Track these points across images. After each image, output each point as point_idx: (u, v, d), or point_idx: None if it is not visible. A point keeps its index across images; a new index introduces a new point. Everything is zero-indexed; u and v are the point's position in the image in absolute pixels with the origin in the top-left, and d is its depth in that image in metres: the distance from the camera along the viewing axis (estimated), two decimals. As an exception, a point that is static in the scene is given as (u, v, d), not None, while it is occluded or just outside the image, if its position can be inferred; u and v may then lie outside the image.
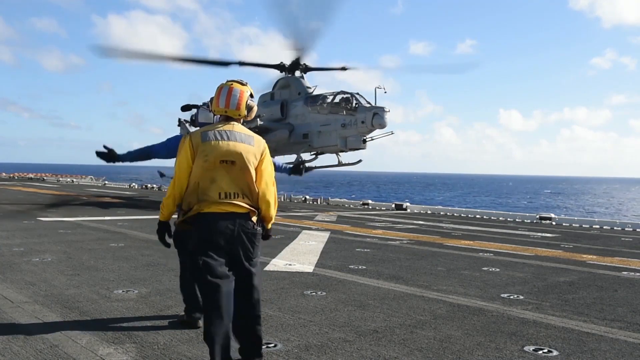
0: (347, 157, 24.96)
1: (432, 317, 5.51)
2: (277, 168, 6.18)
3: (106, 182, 45.71)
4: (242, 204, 3.70)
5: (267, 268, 7.88)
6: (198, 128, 5.24)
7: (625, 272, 8.63)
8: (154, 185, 38.34)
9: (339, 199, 29.13)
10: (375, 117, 21.52)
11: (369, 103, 22.11)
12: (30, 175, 51.63)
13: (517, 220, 20.13)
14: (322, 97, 24.11)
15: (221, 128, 3.78)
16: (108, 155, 5.87)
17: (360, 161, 24.91)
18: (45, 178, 49.11)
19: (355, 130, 22.34)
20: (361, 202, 26.37)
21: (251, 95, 3.93)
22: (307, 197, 28.57)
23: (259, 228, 3.80)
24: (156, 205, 21.94)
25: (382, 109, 21.58)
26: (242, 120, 3.93)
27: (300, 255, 9.43)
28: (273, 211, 3.88)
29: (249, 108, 3.89)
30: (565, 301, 6.43)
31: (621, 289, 7.28)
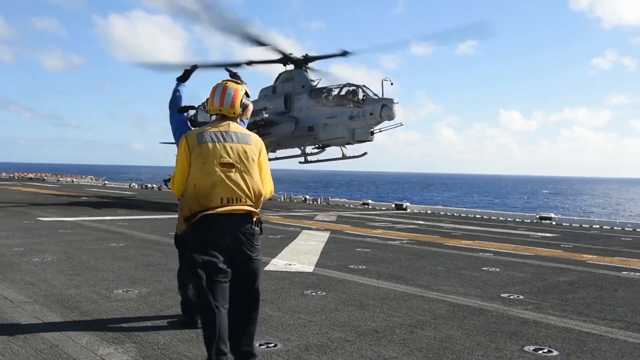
0: (350, 151, 24.86)
1: (432, 317, 5.51)
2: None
3: (106, 182, 45.72)
4: (243, 207, 3.70)
5: (267, 268, 7.87)
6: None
7: (625, 272, 8.63)
8: (154, 185, 38.35)
9: (339, 199, 29.14)
10: (384, 108, 21.31)
11: (376, 95, 21.96)
12: (30, 175, 51.62)
13: (517, 220, 20.12)
14: (327, 89, 23.81)
15: (217, 129, 3.77)
16: (188, 71, 5.80)
17: (365, 153, 24.65)
18: (45, 178, 49.11)
19: (364, 122, 22.06)
20: (361, 202, 26.37)
21: (246, 94, 3.92)
22: (307, 197, 28.57)
23: (257, 228, 3.80)
24: (156, 205, 21.95)
25: (391, 100, 21.35)
26: (238, 119, 3.93)
27: (300, 255, 9.43)
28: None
29: (244, 106, 3.88)
30: (565, 301, 6.43)
31: (621, 289, 7.28)
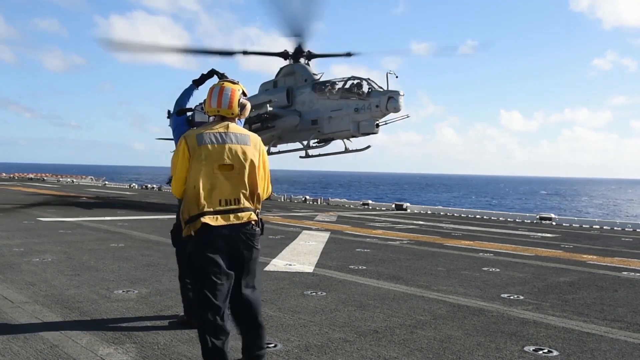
0: (353, 144, 24.81)
1: (432, 318, 5.51)
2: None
3: (106, 182, 45.73)
4: (242, 211, 3.69)
5: (267, 268, 7.88)
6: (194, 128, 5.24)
7: (625, 272, 8.63)
8: (154, 186, 38.35)
9: (339, 199, 29.14)
10: (390, 100, 21.22)
11: (381, 88, 21.89)
12: (31, 176, 51.64)
13: (517, 220, 20.13)
14: (331, 82, 23.73)
15: (216, 130, 3.76)
16: (207, 75, 5.70)
17: (369, 147, 24.60)
18: (45, 178, 49.12)
19: (369, 114, 21.95)
20: (361, 203, 26.37)
21: (244, 94, 3.92)
22: (307, 197, 28.57)
23: (257, 229, 3.79)
24: (156, 206, 21.94)
25: (397, 92, 21.25)
26: (236, 119, 3.92)
27: (300, 255, 9.43)
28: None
29: (242, 106, 3.88)
30: (566, 301, 6.43)
31: (621, 289, 7.28)
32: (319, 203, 27.06)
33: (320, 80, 24.43)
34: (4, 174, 53.45)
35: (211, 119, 4.17)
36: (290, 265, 8.37)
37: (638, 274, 8.51)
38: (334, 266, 8.43)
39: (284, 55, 25.32)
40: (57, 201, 22.30)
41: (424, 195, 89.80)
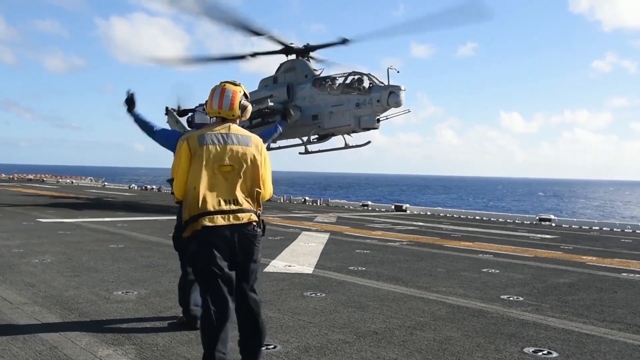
0: (353, 140, 24.82)
1: (432, 319, 5.51)
2: (269, 134, 6.00)
3: (105, 183, 45.73)
4: (243, 212, 3.69)
5: (266, 269, 7.87)
6: (193, 130, 5.25)
7: (624, 274, 8.63)
8: (154, 187, 38.34)
9: (338, 200, 29.14)
10: (392, 95, 21.20)
11: (382, 83, 21.90)
12: (30, 177, 51.65)
13: (516, 221, 20.13)
14: (331, 78, 23.74)
15: (217, 131, 3.76)
16: (129, 100, 5.53)
17: (369, 142, 24.63)
18: (44, 179, 49.11)
19: (370, 109, 21.93)
20: (361, 204, 26.37)
21: (245, 95, 3.91)
22: (307, 198, 28.58)
23: (259, 230, 3.79)
24: (156, 207, 21.93)
25: (398, 87, 21.23)
26: (237, 121, 3.92)
27: (299, 256, 9.43)
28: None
29: (243, 108, 3.87)
30: (565, 302, 6.43)
31: (621, 291, 7.28)
32: (318, 204, 27.06)
33: (321, 75, 24.45)
34: (4, 175, 53.45)
35: (213, 119, 4.17)
36: (289, 266, 8.36)
37: (637, 275, 8.52)
38: (333, 267, 8.43)
39: (285, 51, 25.37)
40: (56, 202, 22.29)
41: (421, 197, 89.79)
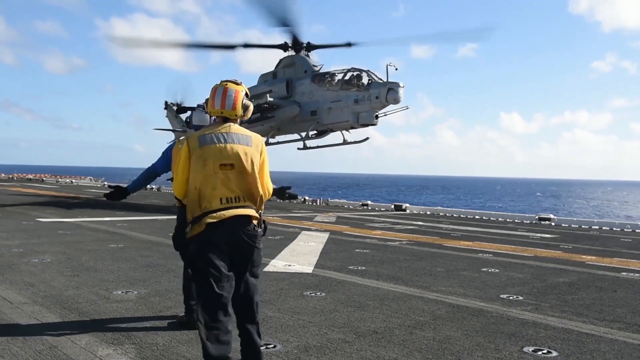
0: (352, 136, 24.84)
1: (432, 318, 5.51)
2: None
3: (105, 182, 45.71)
4: (244, 208, 3.69)
5: (266, 269, 7.87)
6: (192, 131, 5.23)
7: (624, 273, 8.63)
8: (153, 187, 38.34)
9: (338, 200, 29.14)
10: (390, 92, 21.22)
11: (381, 79, 21.93)
12: (30, 176, 51.64)
13: (516, 221, 20.13)
14: (330, 74, 23.75)
15: (218, 130, 3.75)
16: (116, 192, 5.35)
17: (367, 139, 24.65)
18: (44, 179, 49.10)
19: (369, 105, 21.95)
20: (360, 203, 26.37)
21: (246, 95, 3.91)
22: (307, 197, 28.57)
23: (259, 230, 3.78)
24: (156, 206, 21.93)
25: (396, 84, 21.25)
26: (239, 120, 3.91)
27: (299, 256, 9.43)
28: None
29: (245, 107, 3.86)
30: (565, 302, 6.43)
31: (620, 290, 7.28)
32: (318, 204, 27.05)
33: (320, 71, 24.48)
34: (3, 175, 53.44)
35: (212, 119, 4.16)
36: (289, 265, 8.37)
37: (637, 275, 8.52)
38: (333, 267, 8.43)
39: (283, 47, 25.38)
40: (56, 202, 22.28)
41: (419, 198, 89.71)
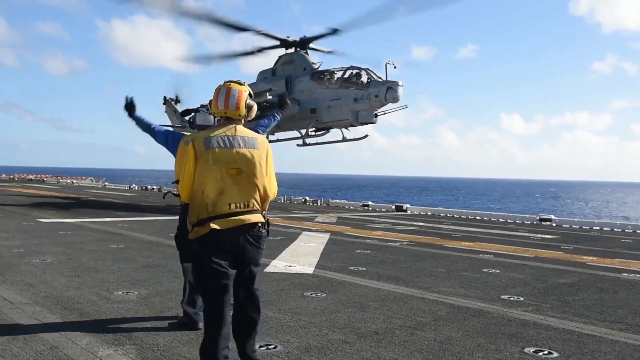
0: (351, 134, 24.88)
1: (433, 319, 5.51)
2: (268, 124, 6.08)
3: (106, 183, 45.75)
4: (251, 214, 3.69)
5: (267, 269, 7.87)
6: (195, 131, 5.25)
7: (625, 274, 8.63)
8: (154, 187, 38.35)
9: (339, 201, 29.14)
10: (389, 91, 21.28)
11: (380, 78, 21.97)
12: (30, 177, 51.68)
13: (517, 221, 20.13)
14: (330, 72, 23.85)
15: (223, 133, 3.73)
16: (129, 105, 5.65)
17: (366, 136, 24.75)
18: (45, 179, 49.14)
19: (368, 104, 22.08)
20: (361, 204, 26.37)
21: (250, 95, 3.91)
22: (307, 198, 28.58)
23: (264, 231, 3.79)
24: (156, 207, 21.93)
25: (396, 83, 21.31)
26: (242, 121, 3.91)
27: (300, 256, 9.43)
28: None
29: (249, 107, 3.87)
30: (566, 303, 6.43)
31: (621, 291, 7.27)
32: (318, 204, 27.06)
33: (320, 69, 24.52)
34: (4, 175, 53.50)
35: (216, 120, 4.16)
36: (290, 266, 8.36)
37: (638, 276, 8.51)
38: (334, 267, 8.43)
39: (282, 46, 25.45)
40: (56, 202, 22.30)
41: (417, 199, 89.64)
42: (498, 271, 8.52)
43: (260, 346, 4.37)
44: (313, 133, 24.96)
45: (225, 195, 3.63)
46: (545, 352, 4.51)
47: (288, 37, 25.09)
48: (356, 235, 13.37)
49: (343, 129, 24.43)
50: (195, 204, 3.68)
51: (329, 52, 25.58)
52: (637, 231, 17.30)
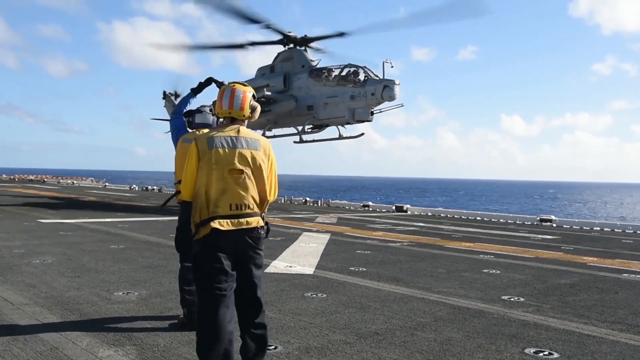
0: (347, 131, 25.01)
1: (433, 319, 5.51)
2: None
3: (107, 184, 45.76)
4: (252, 216, 3.70)
5: (267, 270, 7.87)
6: (195, 131, 5.27)
7: (625, 274, 8.62)
8: (154, 187, 38.36)
9: (339, 201, 29.13)
10: (386, 89, 21.38)
11: (377, 76, 22.02)
12: (31, 177, 51.72)
13: (517, 222, 20.12)
14: (327, 69, 23.94)
15: (227, 133, 3.75)
16: (203, 84, 5.67)
17: (362, 134, 24.85)
18: (45, 180, 49.16)
19: (365, 102, 22.19)
20: (361, 204, 26.37)
21: (253, 97, 3.95)
22: (308, 199, 28.58)
23: (262, 232, 3.80)
24: (156, 208, 21.94)
25: (392, 81, 21.39)
26: (246, 122, 3.93)
27: (300, 257, 9.43)
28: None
29: (253, 108, 3.90)
30: (566, 303, 6.42)
31: (622, 291, 7.27)
32: (319, 205, 27.06)
33: (318, 66, 24.58)
34: (5, 176, 53.53)
35: (219, 120, 4.18)
36: (290, 267, 8.36)
37: (638, 276, 8.51)
38: (334, 268, 8.43)
39: (282, 42, 25.50)
40: (57, 203, 22.30)
41: (417, 200, 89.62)
42: (498, 272, 8.51)
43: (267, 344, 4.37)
44: (309, 130, 25.04)
45: (227, 196, 3.65)
46: (546, 353, 4.51)
47: (290, 32, 25.15)
48: (356, 235, 13.37)
49: (339, 127, 24.53)
50: (197, 203, 3.70)
51: (324, 53, 25.59)
52: (638, 232, 17.29)
